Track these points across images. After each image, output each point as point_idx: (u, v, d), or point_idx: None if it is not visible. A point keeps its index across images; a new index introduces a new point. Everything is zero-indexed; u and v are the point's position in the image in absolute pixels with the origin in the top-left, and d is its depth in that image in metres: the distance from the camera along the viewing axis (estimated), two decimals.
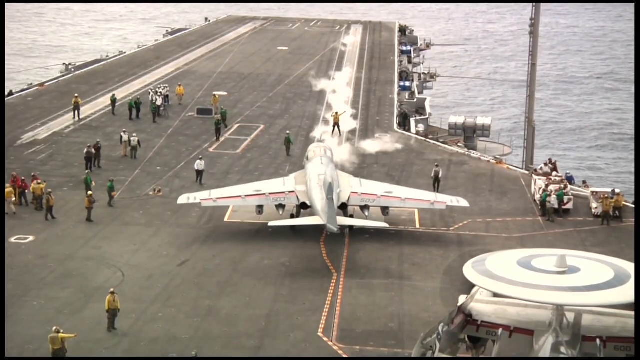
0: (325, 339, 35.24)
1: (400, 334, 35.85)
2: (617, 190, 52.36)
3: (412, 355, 30.47)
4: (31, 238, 45.61)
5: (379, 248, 45.52)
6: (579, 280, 29.55)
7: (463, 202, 49.42)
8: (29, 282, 39.88)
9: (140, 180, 56.33)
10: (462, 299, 32.72)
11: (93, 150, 58.21)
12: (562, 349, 28.68)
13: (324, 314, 37.42)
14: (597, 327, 30.18)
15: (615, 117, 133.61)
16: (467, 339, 31.37)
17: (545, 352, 28.64)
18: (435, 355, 29.56)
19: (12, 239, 45.24)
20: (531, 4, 76.00)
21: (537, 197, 53.05)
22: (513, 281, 29.64)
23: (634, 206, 53.08)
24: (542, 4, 76.97)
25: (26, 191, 50.82)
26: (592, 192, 53.10)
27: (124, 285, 39.70)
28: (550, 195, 51.44)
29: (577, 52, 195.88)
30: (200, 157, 58.05)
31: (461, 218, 50.47)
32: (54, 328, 32.55)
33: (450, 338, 30.73)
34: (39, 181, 50.97)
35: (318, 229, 46.99)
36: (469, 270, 31.14)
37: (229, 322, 36.50)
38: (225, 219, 49.56)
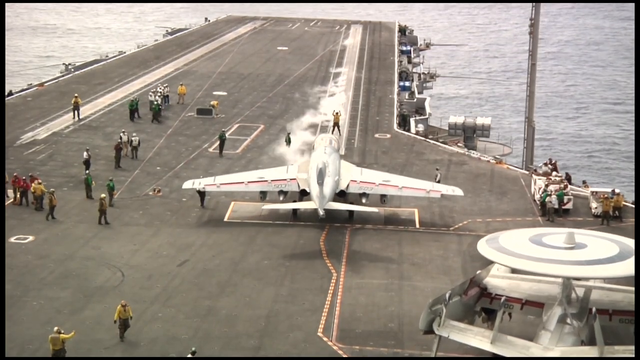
0: (325, 339, 35.24)
1: (400, 334, 35.85)
2: (617, 190, 52.38)
3: (420, 321, 31.81)
4: (31, 238, 45.59)
5: (379, 248, 45.55)
6: (585, 255, 31.85)
7: (458, 192, 50.78)
8: (29, 282, 39.86)
9: (140, 180, 56.32)
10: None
11: (90, 155, 58.01)
12: (568, 320, 31.11)
13: (323, 314, 37.42)
14: (605, 302, 32.46)
15: (615, 117, 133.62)
16: (482, 311, 33.81)
17: (552, 322, 31.02)
18: (442, 321, 31.14)
19: (12, 239, 45.22)
20: (531, 4, 76.10)
21: (537, 197, 53.07)
22: (525, 256, 31.83)
23: (633, 206, 53.11)
24: (542, 4, 77.14)
25: (28, 191, 50.78)
26: (592, 192, 53.13)
27: (124, 285, 39.72)
28: (550, 195, 51.45)
29: (578, 52, 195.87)
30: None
31: (461, 218, 50.53)
32: (55, 328, 32.55)
33: (465, 309, 32.81)
34: (39, 181, 50.94)
35: (318, 229, 47.21)
36: (484, 247, 33.13)
37: (228, 322, 36.49)
38: (225, 219, 49.60)
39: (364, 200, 49.29)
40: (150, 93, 77.23)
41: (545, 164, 59.99)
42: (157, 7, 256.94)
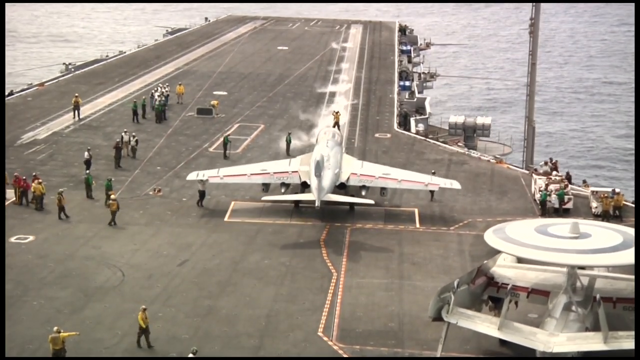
0: (325, 338, 35.23)
1: (400, 333, 35.85)
2: (617, 190, 52.36)
3: (429, 308, 32.53)
4: (31, 238, 45.58)
5: (379, 248, 45.55)
6: (590, 244, 32.79)
7: (456, 185, 51.58)
8: (29, 282, 39.85)
9: (140, 180, 56.32)
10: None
11: (91, 155, 57.98)
12: (573, 308, 31.95)
13: (324, 313, 37.41)
14: (609, 290, 33.26)
15: (615, 116, 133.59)
16: (489, 299, 34.60)
17: (558, 310, 31.85)
18: (451, 308, 31.81)
19: (12, 239, 45.21)
20: (531, 4, 76.07)
21: (537, 196, 53.06)
22: (531, 245, 32.75)
23: (634, 205, 53.08)
24: (542, 4, 77.12)
25: (28, 191, 50.77)
26: (592, 192, 53.12)
27: (124, 285, 39.71)
28: (550, 195, 51.46)
29: (579, 53, 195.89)
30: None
31: (461, 217, 50.53)
32: (54, 328, 32.54)
33: (473, 297, 33.68)
34: (40, 181, 50.91)
35: (318, 229, 47.24)
36: (491, 237, 34.15)
37: (229, 322, 36.48)
38: (225, 219, 49.59)
39: (363, 193, 50.19)
40: (153, 92, 77.24)
41: (546, 163, 59.98)
42: (144, 19, 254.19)
